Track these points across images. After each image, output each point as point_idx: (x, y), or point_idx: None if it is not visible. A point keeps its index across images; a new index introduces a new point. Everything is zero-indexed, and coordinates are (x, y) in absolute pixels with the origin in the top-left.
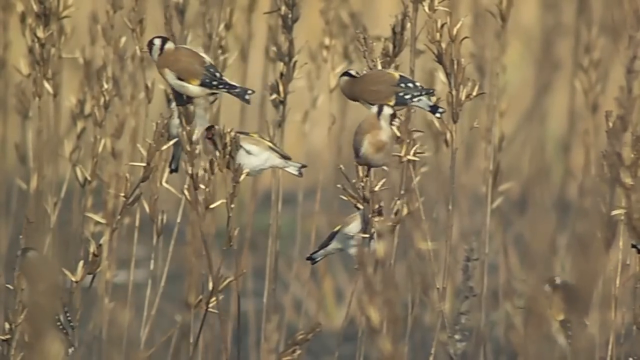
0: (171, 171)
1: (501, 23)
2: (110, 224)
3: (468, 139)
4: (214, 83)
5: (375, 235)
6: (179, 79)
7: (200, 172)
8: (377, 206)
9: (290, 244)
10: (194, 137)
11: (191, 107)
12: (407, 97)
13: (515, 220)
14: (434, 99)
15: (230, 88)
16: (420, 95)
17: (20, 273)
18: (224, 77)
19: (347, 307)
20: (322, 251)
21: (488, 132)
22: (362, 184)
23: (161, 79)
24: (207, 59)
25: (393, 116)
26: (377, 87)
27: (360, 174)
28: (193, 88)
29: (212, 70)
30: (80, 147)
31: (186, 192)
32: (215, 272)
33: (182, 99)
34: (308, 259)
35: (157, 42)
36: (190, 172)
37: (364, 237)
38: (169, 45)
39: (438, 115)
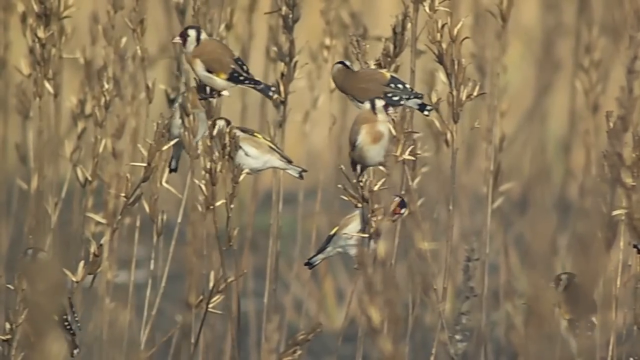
0: (170, 171)
1: (502, 23)
2: (111, 224)
3: (469, 139)
4: (241, 78)
5: (375, 235)
6: (208, 71)
7: (202, 172)
8: (376, 206)
9: (290, 244)
10: (197, 139)
11: (213, 101)
12: (395, 98)
13: (515, 221)
14: (434, 98)
15: (255, 84)
16: (409, 98)
17: (21, 273)
18: (250, 72)
19: (347, 307)
20: (320, 255)
21: (489, 132)
22: (362, 183)
23: (161, 79)
24: (235, 53)
25: (386, 106)
26: (367, 85)
27: (360, 173)
28: (220, 81)
29: (240, 63)
30: (80, 148)
31: (203, 187)
32: (219, 270)
33: (205, 92)
34: (306, 264)
35: (192, 33)
36: (209, 167)
37: (363, 237)
38: (204, 36)
39: (426, 113)
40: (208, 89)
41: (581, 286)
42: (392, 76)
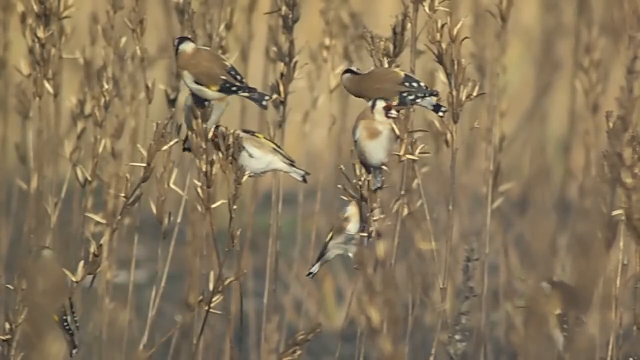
0: (184, 150)
1: (501, 23)
2: (111, 224)
3: (468, 139)
4: (233, 89)
5: (374, 234)
6: (197, 82)
7: (199, 174)
8: (375, 205)
9: (290, 244)
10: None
11: (208, 108)
12: (410, 97)
13: (515, 221)
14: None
15: (250, 92)
16: (425, 96)
17: (22, 272)
18: (244, 80)
19: (347, 307)
20: (319, 263)
21: (488, 132)
22: (361, 183)
23: (161, 79)
24: (228, 62)
25: (388, 109)
26: (382, 85)
27: (357, 172)
28: (211, 93)
29: (233, 73)
30: (80, 147)
31: (199, 190)
32: (218, 271)
33: (200, 99)
34: (308, 274)
35: (175, 43)
36: (204, 169)
37: (362, 236)
38: (185, 46)
39: (441, 114)
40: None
41: (573, 287)
42: (406, 75)
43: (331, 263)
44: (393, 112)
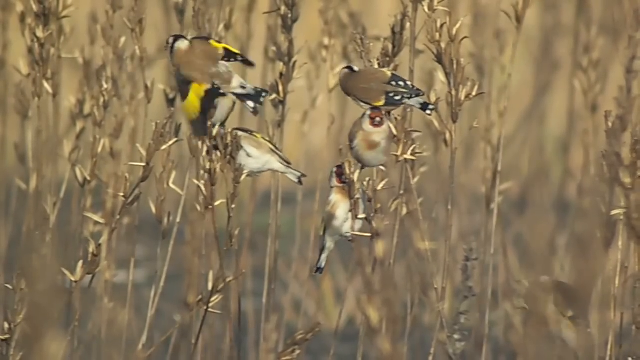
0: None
1: (516, 24)
2: (110, 223)
3: (467, 139)
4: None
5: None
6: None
7: (202, 173)
8: (378, 206)
9: (289, 243)
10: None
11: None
12: (397, 98)
13: (514, 220)
14: (433, 98)
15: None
16: (411, 97)
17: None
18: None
19: (342, 305)
20: (323, 256)
21: (487, 132)
22: (365, 184)
23: (160, 79)
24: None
25: (372, 118)
26: (369, 85)
27: (347, 171)
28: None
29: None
30: (79, 147)
31: (202, 188)
32: (217, 270)
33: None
34: (316, 271)
35: (171, 41)
36: (208, 167)
37: (356, 217)
38: (180, 44)
39: (428, 112)
40: None
41: (574, 285)
42: (393, 74)
43: (330, 263)
44: (378, 119)
